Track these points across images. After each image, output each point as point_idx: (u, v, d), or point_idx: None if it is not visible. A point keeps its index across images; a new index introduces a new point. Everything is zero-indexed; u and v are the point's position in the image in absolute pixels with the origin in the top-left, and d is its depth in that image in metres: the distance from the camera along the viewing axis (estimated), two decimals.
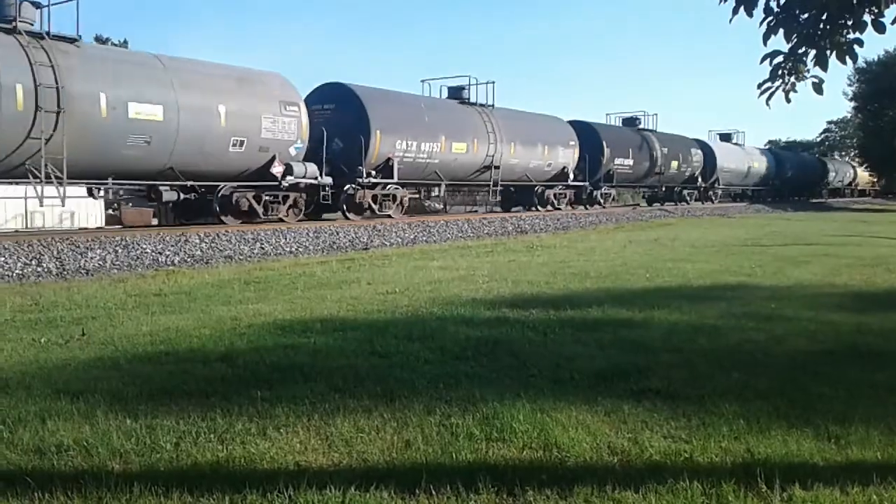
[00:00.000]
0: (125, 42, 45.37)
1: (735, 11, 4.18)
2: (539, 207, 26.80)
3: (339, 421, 4.04)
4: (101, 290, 9.35)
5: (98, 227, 15.52)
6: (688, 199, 38.32)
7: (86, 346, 5.94)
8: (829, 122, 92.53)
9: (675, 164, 35.39)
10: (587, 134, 29.38)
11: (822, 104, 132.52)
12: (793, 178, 50.67)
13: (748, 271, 11.30)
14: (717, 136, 44.40)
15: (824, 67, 4.16)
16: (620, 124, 34.46)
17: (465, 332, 6.42)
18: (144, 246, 13.10)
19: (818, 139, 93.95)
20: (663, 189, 36.40)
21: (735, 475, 3.33)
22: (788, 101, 4.32)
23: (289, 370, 5.08)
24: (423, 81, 24.75)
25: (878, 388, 4.80)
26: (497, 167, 23.94)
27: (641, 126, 34.79)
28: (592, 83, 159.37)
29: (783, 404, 4.39)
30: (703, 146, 39.30)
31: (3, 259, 11.19)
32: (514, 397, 4.44)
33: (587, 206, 29.69)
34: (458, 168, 22.87)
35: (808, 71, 4.21)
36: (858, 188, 69.04)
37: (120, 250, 12.67)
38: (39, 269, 11.25)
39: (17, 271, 10.97)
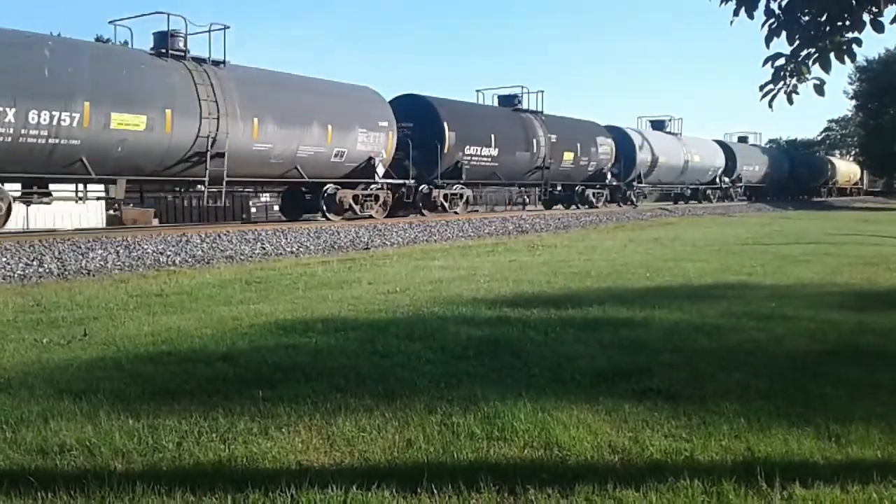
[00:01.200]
0: (125, 43, 45.23)
1: (736, 13, 4.19)
2: (330, 215, 18.64)
3: (341, 420, 4.05)
4: (103, 290, 9.37)
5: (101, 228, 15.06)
6: (593, 200, 29.96)
7: (88, 346, 5.95)
8: (831, 121, 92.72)
9: (569, 155, 27.01)
10: (421, 112, 21.38)
11: (823, 103, 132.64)
12: (752, 175, 43.94)
13: (749, 270, 11.30)
14: (649, 124, 36.79)
15: (826, 69, 4.16)
16: (497, 104, 26.58)
17: (466, 331, 6.43)
18: (146, 246, 13.12)
19: (819, 138, 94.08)
20: (558, 188, 28.33)
21: (736, 474, 3.33)
22: (791, 102, 4.32)
23: (290, 370, 5.09)
24: (111, 23, 16.57)
25: (879, 387, 4.80)
26: (220, 155, 15.32)
27: (523, 106, 26.45)
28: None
29: (784, 403, 4.40)
30: (618, 134, 30.99)
31: (4, 260, 11.20)
32: (516, 396, 4.44)
33: (423, 213, 21.63)
34: (135, 155, 14.23)
35: (810, 73, 4.21)
36: (837, 186, 60.68)
37: (121, 251, 12.68)
38: (41, 269, 11.26)
39: (18, 272, 10.99)
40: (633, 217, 28.87)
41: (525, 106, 26.57)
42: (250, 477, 3.30)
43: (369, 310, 7.66)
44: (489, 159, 23.31)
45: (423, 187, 21.49)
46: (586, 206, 29.27)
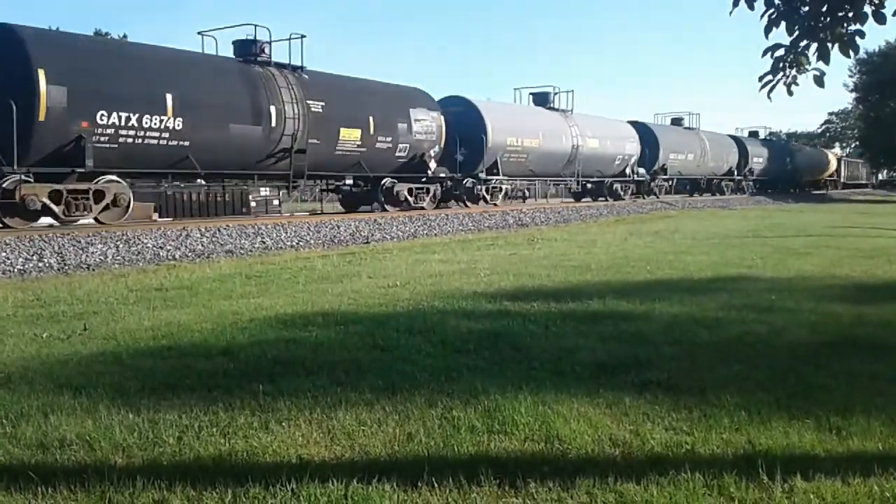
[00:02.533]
0: (125, 36, 45.38)
1: (735, 3, 4.18)
2: None
3: (341, 414, 4.05)
4: (103, 284, 9.36)
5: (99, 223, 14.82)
6: (411, 200, 20.69)
7: (88, 340, 5.95)
8: (831, 114, 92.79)
9: (351, 134, 18.44)
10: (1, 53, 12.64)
11: (824, 95, 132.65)
12: (685, 165, 35.63)
13: (749, 263, 11.30)
14: (531, 98, 28.56)
15: (826, 60, 4.16)
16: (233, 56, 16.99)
17: (466, 325, 6.43)
18: (145, 241, 13.11)
19: (819, 130, 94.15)
20: (348, 182, 19.92)
21: (737, 466, 3.33)
22: (790, 93, 4.32)
23: (290, 364, 5.09)
24: None
25: (879, 378, 4.80)
26: None
27: (269, 59, 17.15)
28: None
29: (784, 395, 4.40)
30: (456, 107, 22.66)
31: (4, 254, 11.19)
32: (516, 390, 4.44)
33: (4, 223, 13.09)
34: None
35: (810, 64, 4.20)
36: (804, 179, 51.43)
37: (121, 245, 12.68)
38: (41, 264, 11.25)
39: (18, 266, 10.98)
40: (634, 210, 28.85)
41: (273, 59, 17.35)
42: (251, 471, 3.29)
43: (369, 304, 7.65)
44: (165, 136, 14.32)
45: (6, 182, 12.72)
46: (400, 208, 20.35)
